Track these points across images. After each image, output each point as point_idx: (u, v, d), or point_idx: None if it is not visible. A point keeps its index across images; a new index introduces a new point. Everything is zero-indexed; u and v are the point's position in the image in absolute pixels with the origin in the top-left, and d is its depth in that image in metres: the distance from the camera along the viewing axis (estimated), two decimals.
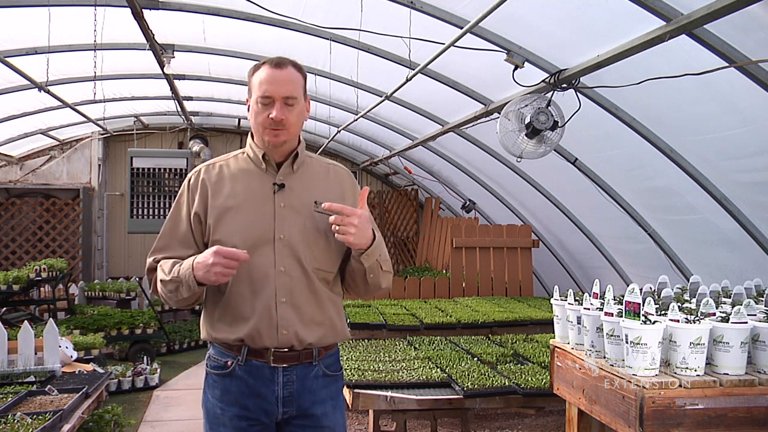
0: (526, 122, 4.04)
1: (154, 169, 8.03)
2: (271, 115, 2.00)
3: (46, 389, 3.59)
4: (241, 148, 2.23)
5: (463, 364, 4.06)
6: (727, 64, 3.08)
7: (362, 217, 1.96)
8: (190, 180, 2.14)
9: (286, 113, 2.02)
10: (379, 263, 2.06)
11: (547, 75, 4.15)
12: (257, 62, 2.11)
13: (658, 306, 2.53)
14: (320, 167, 2.19)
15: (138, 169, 8.01)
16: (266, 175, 2.09)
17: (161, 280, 2.03)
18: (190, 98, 8.37)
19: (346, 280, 2.17)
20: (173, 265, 2.01)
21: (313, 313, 2.05)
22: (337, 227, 1.94)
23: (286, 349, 2.02)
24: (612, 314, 2.52)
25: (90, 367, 4.58)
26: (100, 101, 7.24)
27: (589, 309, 2.72)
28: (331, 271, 2.11)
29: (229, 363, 2.04)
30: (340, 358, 2.26)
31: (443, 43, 4.10)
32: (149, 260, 2.12)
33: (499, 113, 4.29)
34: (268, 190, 2.07)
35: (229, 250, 1.89)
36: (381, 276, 2.10)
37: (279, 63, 2.04)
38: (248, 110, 2.11)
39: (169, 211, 2.31)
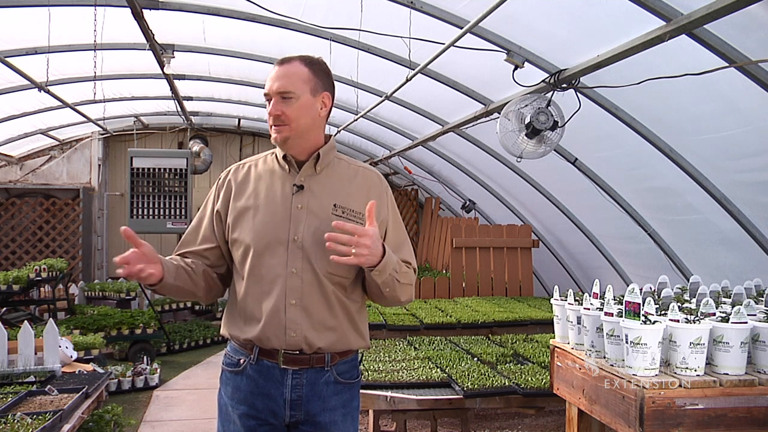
0: (526, 122, 4.04)
1: (154, 169, 8.03)
2: (268, 112, 2.03)
3: (46, 389, 3.59)
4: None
5: (463, 364, 4.06)
6: (727, 64, 3.08)
7: (373, 236, 1.88)
8: (219, 179, 2.20)
9: (282, 108, 2.01)
10: (394, 278, 1.99)
11: (547, 75, 4.15)
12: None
13: (658, 306, 2.53)
14: (348, 170, 2.14)
15: (138, 169, 8.01)
16: (289, 176, 2.09)
17: None
18: (190, 98, 8.37)
19: (366, 289, 2.11)
20: None
21: (324, 318, 2.01)
22: (353, 249, 1.86)
23: (296, 352, 2.00)
24: (612, 314, 2.52)
25: (90, 367, 4.57)
26: (100, 101, 7.24)
27: (589, 309, 2.72)
28: (346, 276, 2.06)
29: (242, 361, 2.06)
30: None
31: (443, 43, 4.10)
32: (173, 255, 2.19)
33: (499, 113, 4.29)
34: (288, 191, 2.06)
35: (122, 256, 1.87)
36: (398, 289, 2.04)
37: (283, 60, 2.06)
38: None
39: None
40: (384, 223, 2.10)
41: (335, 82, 2.25)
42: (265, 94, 2.05)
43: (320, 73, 2.09)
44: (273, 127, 2.04)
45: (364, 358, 4.30)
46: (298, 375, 2.01)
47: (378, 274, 1.95)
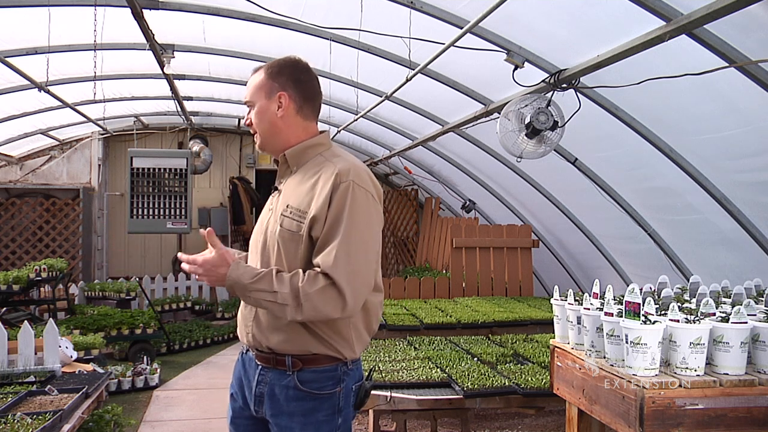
0: (526, 122, 4.03)
1: (154, 169, 8.04)
2: None
3: (46, 389, 3.59)
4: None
5: (463, 364, 4.06)
6: (727, 64, 3.08)
7: (205, 264, 1.94)
8: None
9: (250, 117, 2.14)
10: (259, 300, 1.90)
11: (547, 75, 4.15)
12: (259, 63, 2.19)
13: (658, 306, 2.53)
14: (319, 167, 2.02)
15: (138, 169, 8.01)
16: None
17: None
18: (190, 98, 8.37)
19: None
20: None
21: (269, 317, 2.02)
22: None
23: (260, 349, 2.07)
24: (612, 314, 2.52)
25: (90, 367, 4.57)
26: (100, 101, 7.24)
27: (589, 309, 2.72)
28: None
29: (242, 348, 2.19)
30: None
31: (443, 43, 4.10)
32: None
33: (499, 113, 4.29)
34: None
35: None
36: (277, 311, 1.90)
37: (253, 70, 2.17)
38: None
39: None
40: (313, 222, 1.93)
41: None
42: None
43: (277, 74, 2.08)
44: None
45: (363, 357, 4.28)
46: (264, 372, 2.06)
47: (243, 298, 1.98)
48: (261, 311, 2.04)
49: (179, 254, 2.03)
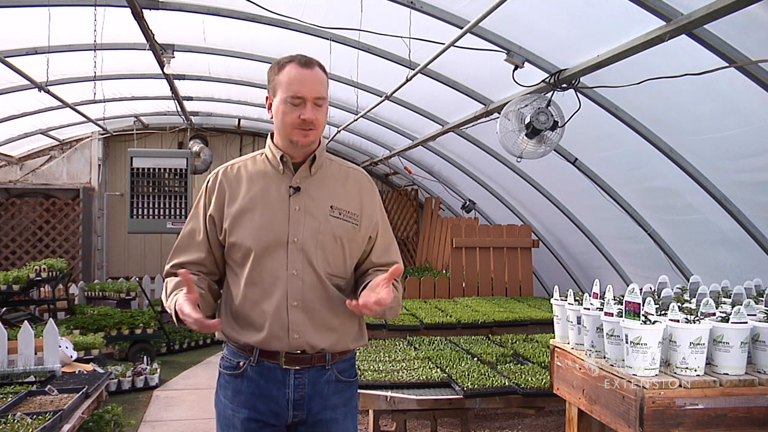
0: (526, 122, 4.03)
1: (154, 169, 8.03)
2: (302, 116, 1.98)
3: (46, 389, 3.59)
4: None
5: (463, 364, 4.06)
6: (727, 64, 3.08)
7: (388, 299, 1.89)
8: (208, 182, 2.13)
9: (316, 113, 2.00)
10: (385, 310, 2.00)
11: (547, 75, 4.15)
12: (280, 60, 2.04)
13: (658, 306, 2.53)
14: (339, 171, 2.15)
15: (138, 169, 8.01)
16: (283, 177, 2.07)
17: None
18: (190, 98, 8.37)
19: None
20: (172, 291, 2.03)
21: (326, 318, 2.02)
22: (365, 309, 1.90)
23: (298, 352, 2.01)
24: (612, 314, 2.52)
25: (90, 367, 4.58)
26: (100, 101, 7.24)
27: (589, 309, 2.72)
28: (344, 277, 2.09)
29: (241, 363, 2.05)
30: None
31: (443, 43, 4.10)
32: (167, 266, 2.13)
33: (499, 113, 4.29)
34: (284, 193, 2.05)
35: (191, 314, 1.84)
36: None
37: (307, 62, 2.02)
38: (269, 109, 2.07)
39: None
40: (376, 226, 2.14)
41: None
42: (298, 97, 1.97)
43: (327, 78, 2.11)
44: (300, 130, 2.00)
45: (363, 357, 4.29)
46: (300, 375, 2.01)
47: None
48: (315, 315, 2.00)
49: (364, 302, 1.90)
